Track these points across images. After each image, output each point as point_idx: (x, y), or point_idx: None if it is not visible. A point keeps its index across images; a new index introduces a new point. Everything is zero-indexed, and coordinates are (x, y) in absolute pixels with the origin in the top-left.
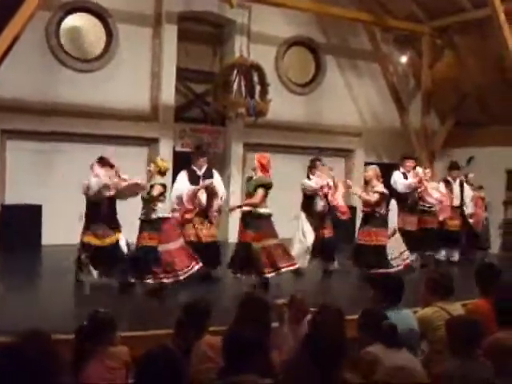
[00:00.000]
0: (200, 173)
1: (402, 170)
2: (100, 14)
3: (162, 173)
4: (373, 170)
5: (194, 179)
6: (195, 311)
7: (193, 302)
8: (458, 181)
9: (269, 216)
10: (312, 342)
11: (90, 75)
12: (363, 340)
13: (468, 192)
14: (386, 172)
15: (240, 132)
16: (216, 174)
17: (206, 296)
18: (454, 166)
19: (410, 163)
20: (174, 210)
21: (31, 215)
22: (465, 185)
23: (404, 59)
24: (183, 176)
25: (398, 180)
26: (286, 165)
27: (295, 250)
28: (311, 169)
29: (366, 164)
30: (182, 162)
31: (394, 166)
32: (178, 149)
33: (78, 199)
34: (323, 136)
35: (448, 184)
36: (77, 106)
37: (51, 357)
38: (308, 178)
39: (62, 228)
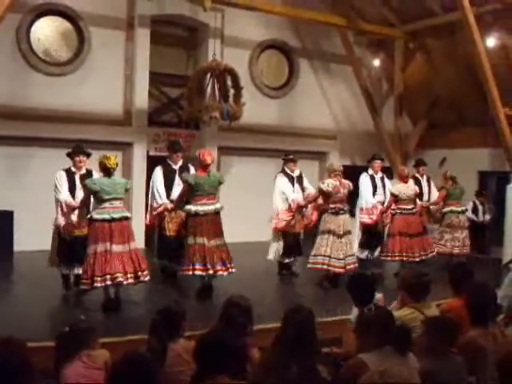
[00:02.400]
0: (176, 167)
1: (370, 171)
2: (71, 18)
3: (103, 169)
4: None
5: (169, 173)
6: (170, 313)
7: (167, 305)
8: (425, 177)
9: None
10: (284, 333)
11: (61, 79)
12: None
13: (434, 189)
14: (359, 175)
15: (214, 136)
16: (192, 168)
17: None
18: (419, 163)
19: (377, 164)
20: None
21: (3, 221)
22: (431, 181)
23: (377, 62)
24: (158, 171)
25: (364, 192)
26: (260, 168)
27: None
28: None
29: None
30: (155, 166)
31: (366, 169)
32: (152, 153)
33: (51, 204)
34: (297, 139)
35: (417, 181)
36: (49, 111)
37: (23, 364)
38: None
39: (35, 234)
